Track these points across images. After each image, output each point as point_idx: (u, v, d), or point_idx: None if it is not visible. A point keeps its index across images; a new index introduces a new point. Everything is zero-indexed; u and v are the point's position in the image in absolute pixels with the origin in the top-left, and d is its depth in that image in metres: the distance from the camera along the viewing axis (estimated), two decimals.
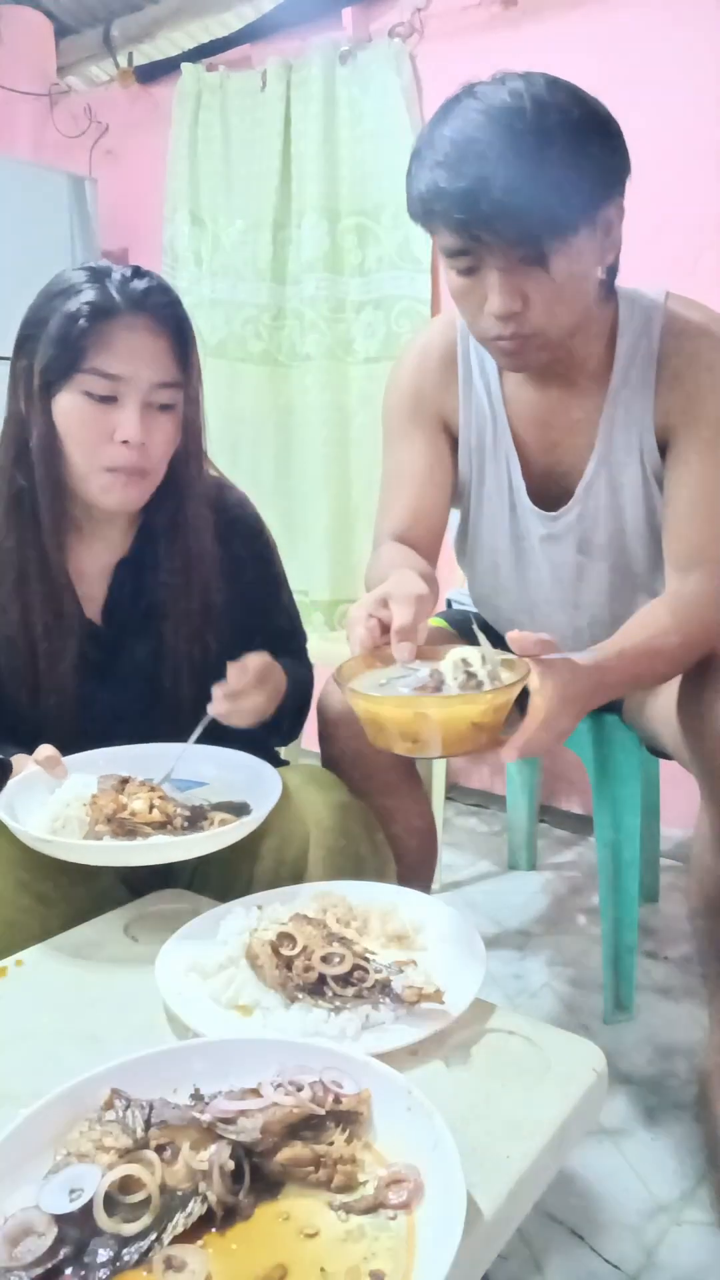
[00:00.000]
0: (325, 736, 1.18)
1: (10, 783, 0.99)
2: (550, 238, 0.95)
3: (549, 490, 1.21)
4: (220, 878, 1.03)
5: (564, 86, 0.96)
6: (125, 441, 1.02)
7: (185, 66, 2.54)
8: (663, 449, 1.14)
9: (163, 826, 0.94)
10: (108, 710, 1.13)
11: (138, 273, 1.05)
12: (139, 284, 1.03)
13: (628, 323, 1.13)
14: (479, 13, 2.14)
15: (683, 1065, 1.36)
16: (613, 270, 1.10)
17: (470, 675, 0.85)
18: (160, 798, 0.96)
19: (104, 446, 1.03)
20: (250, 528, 1.22)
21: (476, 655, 0.87)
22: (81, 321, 1.00)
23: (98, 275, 1.04)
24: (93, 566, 1.14)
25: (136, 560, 1.15)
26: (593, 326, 1.11)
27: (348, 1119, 0.61)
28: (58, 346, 1.01)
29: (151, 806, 0.94)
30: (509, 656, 0.89)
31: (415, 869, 1.22)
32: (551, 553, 1.24)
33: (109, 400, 1.02)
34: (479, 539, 1.30)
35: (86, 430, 1.03)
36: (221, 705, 1.04)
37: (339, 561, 2.42)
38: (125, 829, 0.93)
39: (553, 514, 1.21)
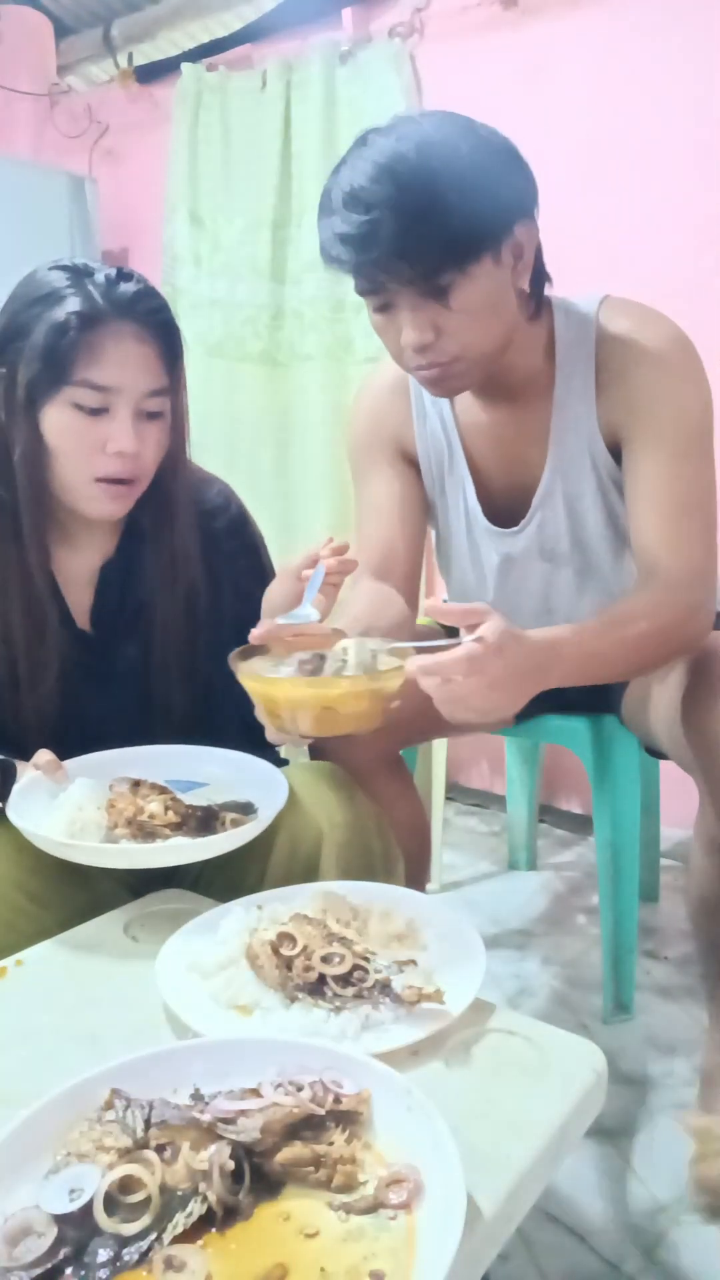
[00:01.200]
0: None
1: (16, 788, 0.99)
2: (446, 273, 1.00)
3: (510, 506, 1.24)
4: (229, 877, 1.02)
5: (455, 126, 1.00)
6: (119, 453, 1.01)
7: (185, 66, 2.54)
8: (615, 453, 1.15)
9: (178, 827, 0.94)
10: (100, 714, 1.12)
11: (123, 275, 1.02)
12: (126, 288, 1.00)
13: (564, 333, 1.15)
14: (479, 13, 2.14)
15: (683, 1065, 1.36)
16: (538, 287, 1.12)
17: (344, 663, 0.92)
18: (172, 799, 0.97)
19: (95, 458, 1.01)
20: (235, 518, 1.21)
21: (355, 645, 0.93)
22: (71, 334, 0.97)
23: (79, 277, 1.00)
24: (79, 572, 1.13)
25: (122, 562, 1.14)
26: (524, 342, 1.13)
27: (348, 1119, 0.61)
28: (44, 360, 0.98)
29: (166, 808, 0.95)
30: (403, 648, 0.93)
31: (406, 864, 1.22)
32: (515, 566, 1.27)
33: (99, 412, 1.00)
34: (449, 556, 1.35)
35: (77, 443, 1.01)
36: (333, 560, 0.99)
37: None
38: (144, 831, 0.93)
39: (512, 529, 1.24)
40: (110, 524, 1.14)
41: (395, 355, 1.09)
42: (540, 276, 1.12)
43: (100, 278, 1.01)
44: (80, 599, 1.14)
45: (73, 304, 0.98)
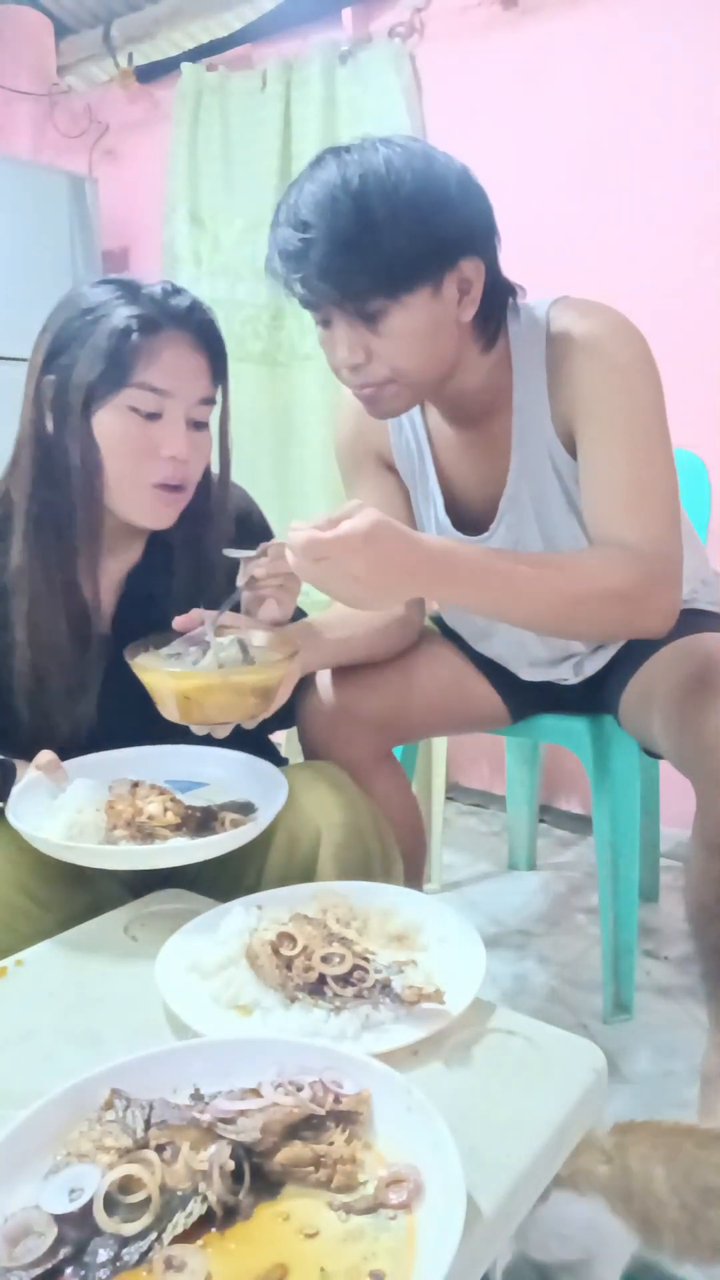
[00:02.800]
0: (301, 726, 1.22)
1: (15, 789, 0.99)
2: (376, 299, 1.01)
3: (480, 515, 1.24)
4: (228, 877, 1.03)
5: (410, 158, 1.00)
6: (172, 457, 1.02)
7: (185, 66, 2.54)
8: (572, 452, 1.15)
9: (178, 828, 0.94)
10: (113, 719, 1.12)
11: (175, 289, 1.05)
12: (180, 300, 1.03)
13: (518, 340, 1.15)
14: (479, 13, 2.14)
15: (683, 1065, 1.36)
16: (491, 320, 1.12)
17: (214, 656, 0.98)
18: (171, 800, 0.97)
19: (149, 462, 1.03)
20: (257, 527, 1.23)
21: (230, 640, 0.99)
22: (133, 336, 0.99)
23: (129, 290, 1.02)
24: (106, 578, 1.13)
25: (147, 568, 1.15)
26: (476, 366, 1.14)
27: (348, 1119, 0.61)
28: (106, 361, 0.99)
29: (165, 809, 0.95)
30: (275, 651, 1.01)
31: (404, 863, 1.22)
32: None
33: (154, 417, 1.01)
34: None
35: (132, 446, 1.02)
36: (262, 569, 1.02)
37: None
38: (144, 833, 0.93)
39: (480, 536, 1.24)
40: (139, 530, 1.14)
41: (335, 370, 1.11)
42: (496, 308, 1.12)
43: (155, 290, 1.03)
44: (105, 604, 1.14)
45: (131, 310, 1.00)
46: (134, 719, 1.06)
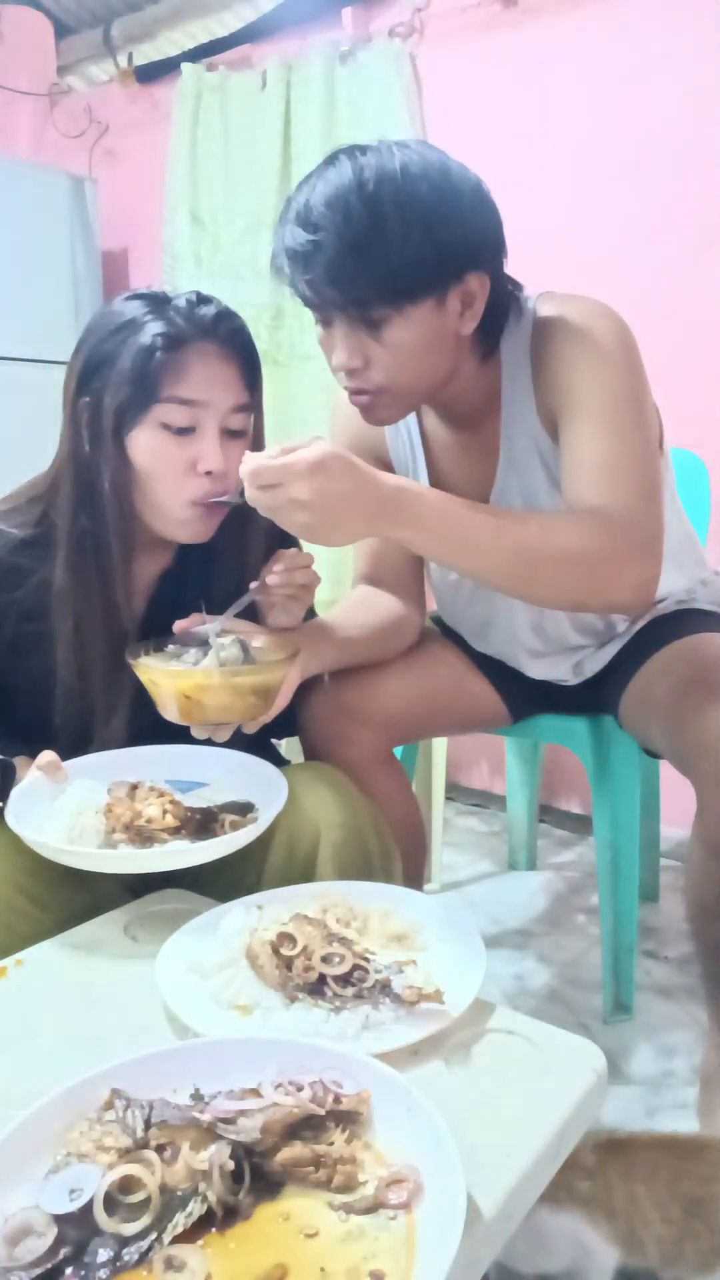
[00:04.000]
0: (302, 726, 1.22)
1: (15, 791, 0.99)
2: (380, 307, 1.00)
3: None
4: (227, 877, 1.02)
5: (427, 165, 0.99)
6: (209, 472, 1.01)
7: (185, 66, 2.54)
8: (556, 439, 1.14)
9: (177, 831, 0.94)
10: (132, 721, 1.12)
11: (202, 298, 1.04)
12: (206, 310, 1.02)
13: (508, 339, 1.15)
14: (479, 13, 2.14)
15: (683, 1065, 1.36)
16: (490, 333, 1.12)
17: (214, 657, 0.98)
18: (171, 802, 0.96)
19: (187, 480, 1.02)
20: (281, 532, 1.22)
21: (230, 640, 0.99)
22: (158, 354, 0.98)
23: (158, 305, 1.02)
24: (138, 580, 1.13)
25: (178, 573, 1.15)
26: (472, 374, 1.14)
27: (348, 1119, 0.61)
28: (132, 382, 0.99)
29: (164, 811, 0.95)
30: (276, 652, 1.03)
31: (404, 863, 1.22)
32: None
33: (187, 432, 1.01)
34: (428, 563, 1.37)
35: (168, 465, 1.01)
36: (275, 577, 1.03)
37: (337, 561, 2.42)
38: (143, 836, 0.93)
39: None
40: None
41: (332, 371, 1.10)
42: (497, 323, 1.12)
43: (181, 302, 1.02)
44: (134, 609, 1.13)
45: (157, 327, 0.99)
46: (159, 724, 1.06)
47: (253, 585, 1.04)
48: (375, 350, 1.04)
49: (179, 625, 1.03)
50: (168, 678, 0.98)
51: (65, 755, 1.04)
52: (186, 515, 1.04)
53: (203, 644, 1.01)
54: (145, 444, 1.01)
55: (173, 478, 1.02)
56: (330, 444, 0.90)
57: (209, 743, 1.07)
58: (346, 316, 1.02)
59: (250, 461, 0.90)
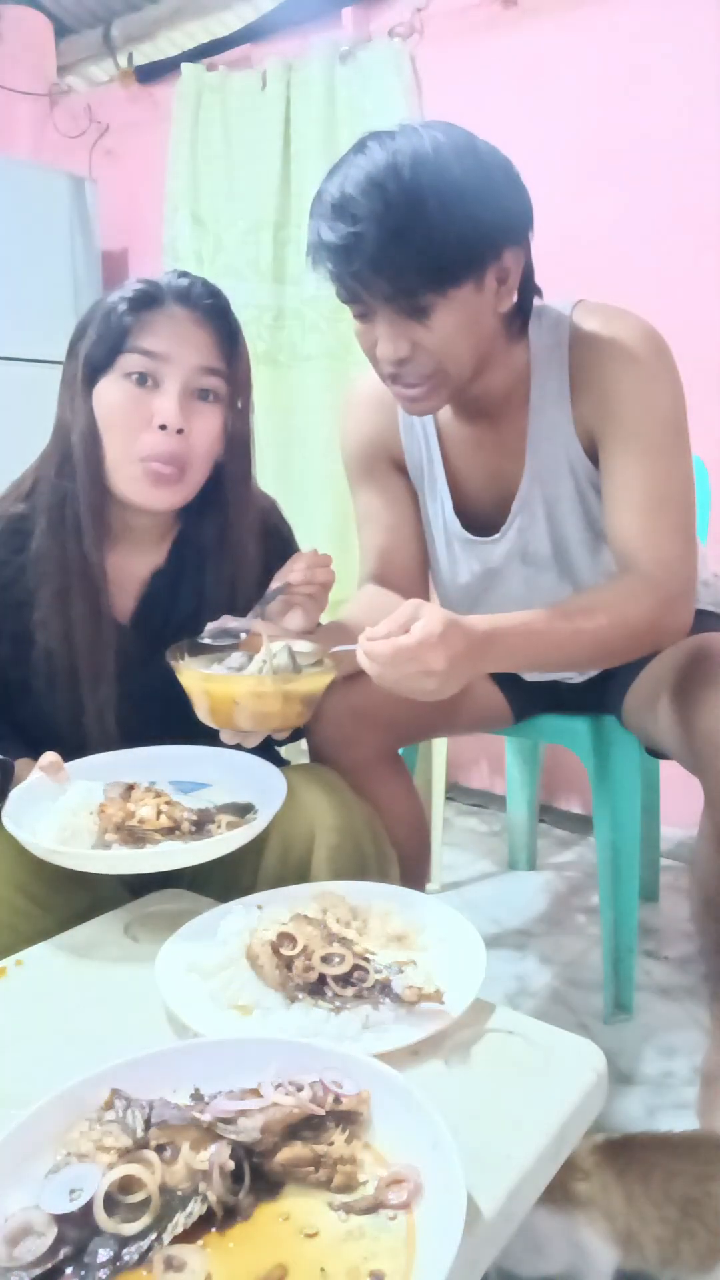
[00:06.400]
0: (309, 727, 1.21)
1: (15, 791, 0.99)
2: (426, 293, 0.99)
3: (490, 515, 1.24)
4: (223, 878, 1.03)
5: (455, 143, 0.98)
6: (163, 427, 1.02)
7: (185, 66, 2.54)
8: (592, 455, 1.15)
9: (170, 832, 0.94)
10: (128, 718, 1.12)
11: (185, 274, 1.07)
12: (183, 281, 1.05)
13: (538, 340, 1.15)
14: (479, 13, 2.14)
15: (683, 1065, 1.36)
16: (523, 310, 1.11)
17: (264, 663, 0.98)
18: (166, 803, 0.96)
19: (142, 434, 1.02)
20: (284, 537, 1.23)
21: (280, 647, 0.99)
22: (123, 307, 1.02)
23: (148, 279, 1.05)
24: (128, 575, 1.13)
25: (172, 571, 1.15)
26: (502, 360, 1.13)
27: (348, 1119, 0.61)
28: (100, 331, 1.03)
29: (159, 812, 0.94)
30: (323, 657, 1.02)
31: (405, 862, 1.23)
32: (496, 574, 1.28)
33: (149, 384, 1.02)
34: (434, 564, 1.36)
35: (125, 415, 1.03)
36: (298, 575, 1.04)
37: (340, 562, 2.42)
38: (135, 836, 0.93)
39: (492, 538, 1.24)
40: (161, 532, 1.14)
41: (372, 364, 1.09)
42: (526, 300, 1.11)
43: (163, 278, 1.06)
44: (126, 602, 1.14)
45: (134, 288, 1.03)
46: (159, 721, 1.06)
47: (273, 585, 1.03)
48: (423, 337, 1.03)
49: (211, 627, 1.03)
50: (217, 683, 0.97)
51: (66, 750, 1.04)
52: (136, 473, 1.04)
53: (232, 642, 1.01)
54: (109, 395, 1.03)
55: (128, 430, 1.03)
56: (436, 607, 0.91)
57: (211, 741, 1.07)
58: (392, 307, 1.01)
59: (384, 645, 0.88)
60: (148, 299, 1.02)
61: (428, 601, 0.92)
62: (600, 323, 1.12)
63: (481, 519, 1.25)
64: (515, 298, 1.07)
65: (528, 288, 1.10)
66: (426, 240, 0.96)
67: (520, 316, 1.12)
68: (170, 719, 1.04)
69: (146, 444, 1.03)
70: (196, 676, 0.98)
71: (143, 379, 1.02)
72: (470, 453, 1.24)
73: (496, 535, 1.23)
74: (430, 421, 1.26)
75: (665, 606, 1.06)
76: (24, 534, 1.09)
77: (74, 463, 1.05)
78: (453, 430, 1.25)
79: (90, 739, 1.09)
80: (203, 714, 1.00)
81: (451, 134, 0.99)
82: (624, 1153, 0.90)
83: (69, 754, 1.03)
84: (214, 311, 1.06)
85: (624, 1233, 0.87)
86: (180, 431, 1.03)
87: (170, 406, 1.02)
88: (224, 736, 1.02)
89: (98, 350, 1.03)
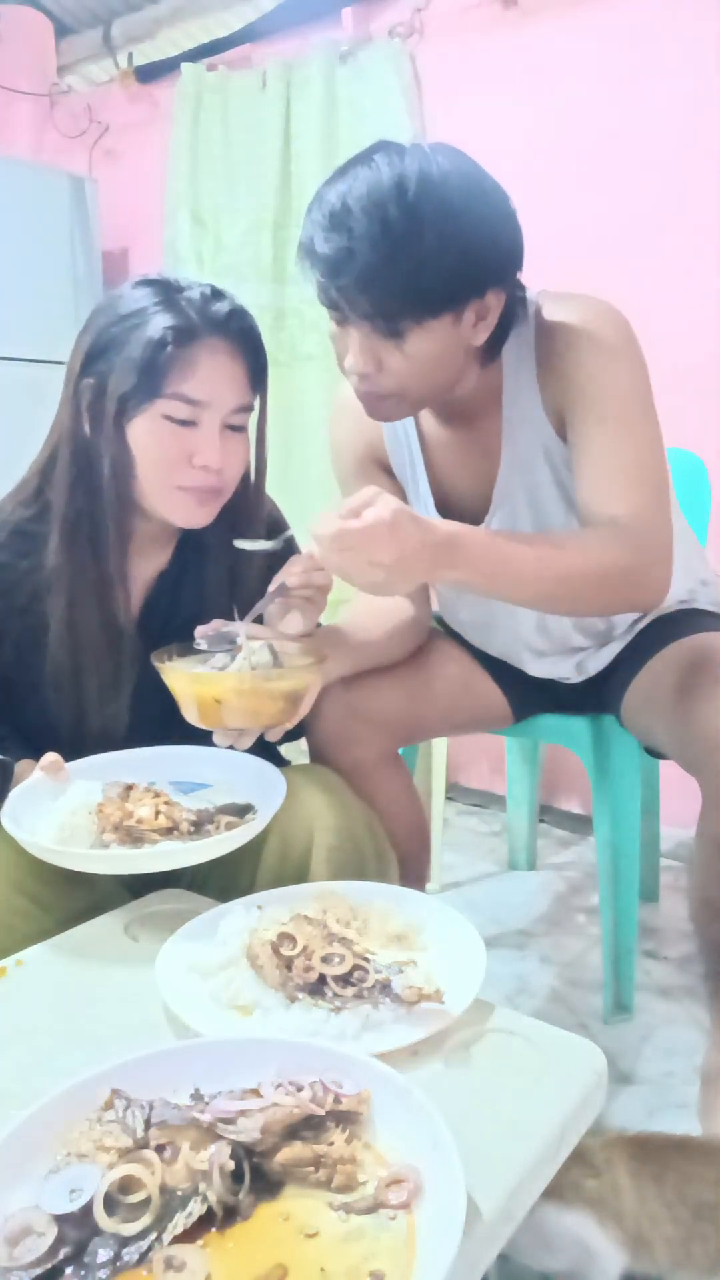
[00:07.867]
0: (309, 728, 1.21)
1: (15, 791, 0.99)
2: (404, 319, 1.00)
3: (474, 508, 1.24)
4: (222, 879, 1.03)
5: (460, 174, 0.98)
6: (204, 466, 1.02)
7: (185, 66, 2.54)
8: (565, 439, 1.15)
9: (169, 832, 0.94)
10: (129, 718, 1.12)
11: (215, 294, 1.03)
12: (220, 307, 1.02)
13: (510, 338, 1.15)
14: (479, 13, 2.14)
15: (683, 1065, 1.36)
16: (495, 342, 1.11)
17: (244, 661, 0.98)
18: (165, 803, 0.96)
19: (180, 468, 1.02)
20: (287, 540, 1.22)
21: (260, 645, 0.99)
22: (168, 348, 0.97)
23: (169, 293, 1.01)
24: (133, 577, 1.13)
25: (176, 573, 1.15)
26: (473, 378, 1.14)
27: (348, 1119, 0.61)
28: (139, 373, 0.98)
29: (157, 812, 0.94)
30: (304, 657, 1.02)
31: (405, 862, 1.23)
32: None
33: (187, 424, 1.01)
34: None
35: (164, 453, 1.01)
36: (295, 578, 1.03)
37: None
38: (133, 836, 0.93)
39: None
40: (168, 534, 1.14)
41: (341, 366, 1.10)
42: (504, 330, 1.11)
43: (194, 295, 1.02)
44: (129, 607, 1.13)
45: (168, 319, 0.98)
46: (159, 722, 1.06)
47: (272, 587, 1.03)
48: (391, 358, 1.04)
49: (201, 630, 1.03)
50: (199, 683, 0.97)
51: (68, 752, 1.04)
52: (178, 499, 1.04)
53: (227, 647, 1.01)
54: (145, 432, 1.01)
55: (167, 465, 1.02)
56: (394, 498, 0.90)
57: (211, 744, 1.07)
58: (368, 324, 1.02)
59: (330, 525, 0.88)
60: (186, 335, 0.99)
61: (391, 496, 0.90)
62: (562, 310, 1.12)
63: (466, 514, 1.25)
64: (489, 333, 1.07)
65: (506, 322, 1.10)
66: (416, 269, 0.96)
67: (497, 345, 1.12)
68: (170, 719, 1.04)
69: (186, 477, 1.03)
70: (179, 677, 0.98)
71: (182, 423, 1.01)
72: (450, 452, 1.25)
73: (480, 527, 1.24)
74: (411, 425, 1.27)
75: (637, 555, 1.03)
76: (31, 537, 1.08)
77: (100, 488, 1.04)
78: (433, 431, 1.26)
79: (91, 739, 1.09)
80: (191, 716, 1.00)
81: (460, 163, 0.99)
82: (637, 1152, 0.90)
83: (70, 754, 1.03)
84: (249, 341, 1.05)
85: (633, 1233, 0.86)
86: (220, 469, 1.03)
87: (213, 448, 1.02)
88: (216, 738, 1.02)
89: (135, 391, 0.99)
